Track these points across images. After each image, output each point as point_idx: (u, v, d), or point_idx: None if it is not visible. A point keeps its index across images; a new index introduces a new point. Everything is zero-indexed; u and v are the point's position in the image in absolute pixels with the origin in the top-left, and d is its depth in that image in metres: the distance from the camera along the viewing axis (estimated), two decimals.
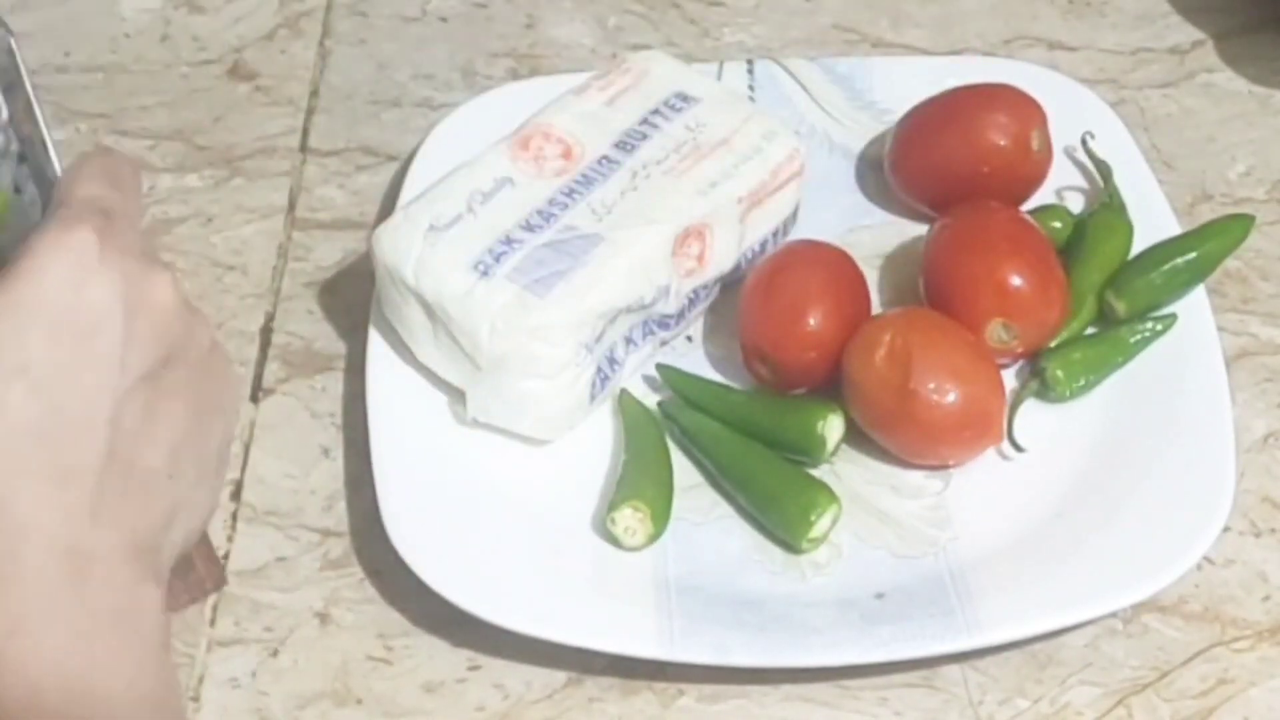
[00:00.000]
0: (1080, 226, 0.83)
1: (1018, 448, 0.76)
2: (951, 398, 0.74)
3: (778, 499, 0.74)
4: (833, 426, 0.76)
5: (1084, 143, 0.86)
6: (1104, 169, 0.85)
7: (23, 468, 0.51)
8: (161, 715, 0.53)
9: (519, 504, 0.75)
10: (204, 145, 0.92)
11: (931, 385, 0.74)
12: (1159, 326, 0.79)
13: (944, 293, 0.79)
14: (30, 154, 0.59)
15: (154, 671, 0.53)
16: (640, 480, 0.75)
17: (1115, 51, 0.96)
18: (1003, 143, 0.84)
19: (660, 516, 0.74)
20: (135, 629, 0.52)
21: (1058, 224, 0.83)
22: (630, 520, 0.74)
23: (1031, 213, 0.82)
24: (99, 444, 0.52)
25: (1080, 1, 0.99)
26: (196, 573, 0.66)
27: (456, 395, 0.77)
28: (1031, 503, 0.75)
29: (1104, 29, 0.98)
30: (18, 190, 0.59)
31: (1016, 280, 0.77)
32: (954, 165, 0.84)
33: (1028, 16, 0.98)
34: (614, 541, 0.74)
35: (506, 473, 0.76)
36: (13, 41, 0.58)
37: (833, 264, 0.80)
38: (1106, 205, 0.84)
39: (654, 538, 0.74)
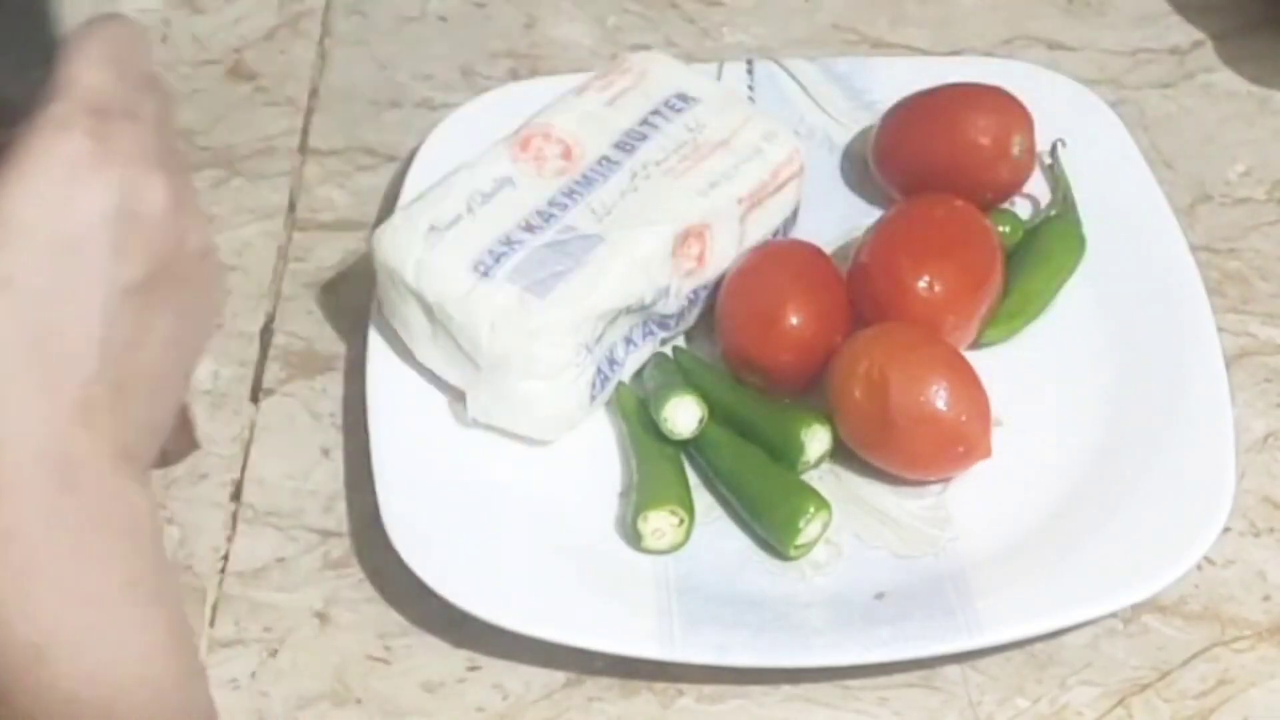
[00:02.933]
0: (1033, 234, 0.83)
1: None
2: (932, 423, 0.74)
3: (767, 504, 0.74)
4: (817, 436, 0.76)
5: (1053, 150, 0.86)
6: (1063, 179, 0.85)
7: (7, 379, 0.50)
8: (160, 609, 0.53)
9: (519, 504, 0.75)
10: (204, 145, 0.92)
11: (911, 413, 0.73)
12: None
13: (858, 281, 0.79)
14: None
15: (150, 569, 0.53)
16: (675, 484, 0.75)
17: (1115, 51, 0.96)
18: (983, 142, 0.84)
19: (691, 526, 0.74)
20: (128, 531, 0.52)
21: (1005, 229, 0.83)
22: (663, 523, 0.73)
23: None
24: (87, 356, 0.51)
25: (1080, 1, 0.99)
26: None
27: (456, 396, 0.77)
28: (1031, 503, 0.75)
29: (1104, 29, 0.98)
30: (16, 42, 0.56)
31: (922, 282, 0.77)
32: (932, 160, 0.84)
33: (1028, 16, 0.98)
34: (634, 540, 0.74)
35: (506, 473, 0.76)
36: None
37: (806, 262, 0.80)
38: (1061, 215, 0.84)
39: (679, 546, 0.74)
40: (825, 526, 0.74)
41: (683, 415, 0.76)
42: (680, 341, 0.82)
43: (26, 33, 0.56)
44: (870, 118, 0.89)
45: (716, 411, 0.77)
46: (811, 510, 0.73)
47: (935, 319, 0.77)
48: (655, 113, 0.82)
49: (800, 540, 0.73)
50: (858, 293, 0.79)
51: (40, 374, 0.51)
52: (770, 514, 0.74)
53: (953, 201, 0.81)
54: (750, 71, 0.92)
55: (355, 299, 0.83)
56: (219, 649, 0.73)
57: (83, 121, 0.52)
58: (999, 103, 0.85)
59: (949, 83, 0.87)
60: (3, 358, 0.50)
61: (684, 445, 0.77)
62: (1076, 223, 0.84)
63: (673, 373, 0.79)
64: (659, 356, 0.80)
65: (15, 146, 0.52)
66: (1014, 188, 0.86)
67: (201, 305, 0.56)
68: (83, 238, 0.51)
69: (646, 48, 0.94)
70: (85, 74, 0.54)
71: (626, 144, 0.81)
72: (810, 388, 0.77)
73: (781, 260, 0.80)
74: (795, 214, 0.84)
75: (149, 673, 0.53)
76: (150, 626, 0.52)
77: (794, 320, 0.77)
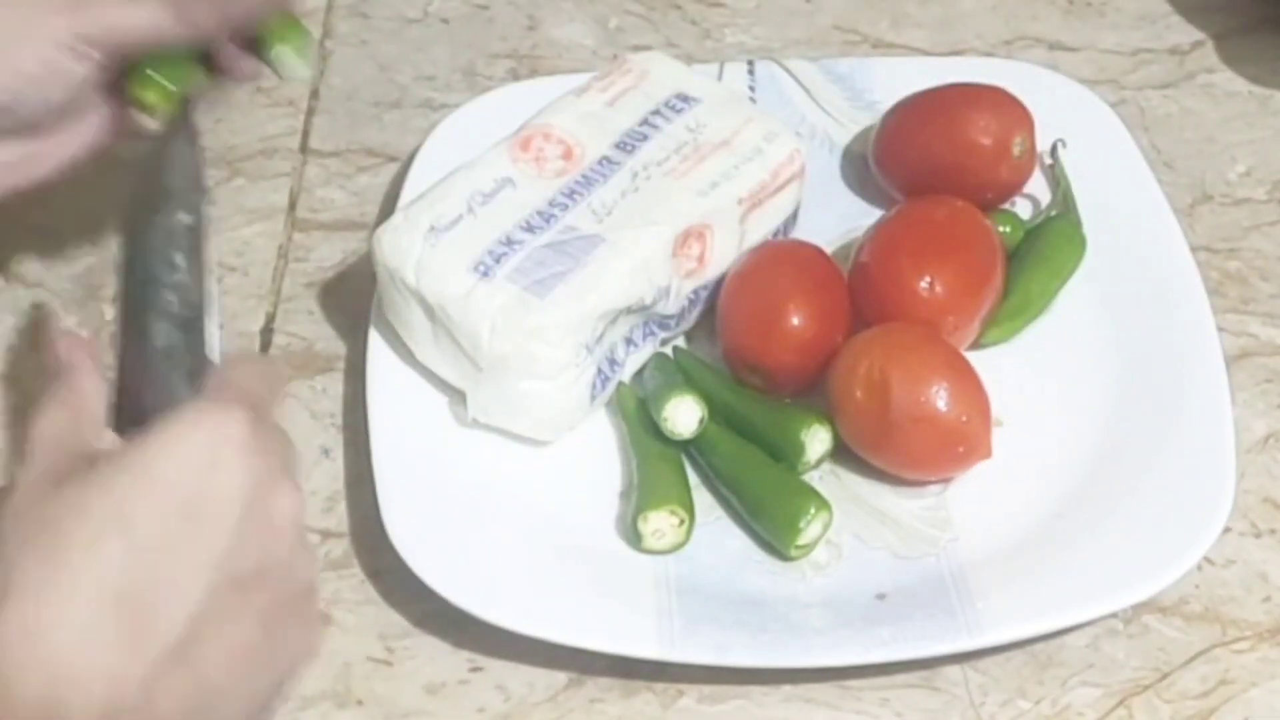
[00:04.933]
0: (1033, 234, 0.83)
1: None
2: (933, 424, 0.74)
3: (768, 504, 0.74)
4: (817, 436, 0.76)
5: (1053, 150, 0.86)
6: (1063, 179, 0.85)
7: (95, 621, 0.51)
8: None
9: (519, 504, 0.75)
10: (204, 146, 0.92)
11: (911, 414, 0.74)
12: None
13: (859, 281, 0.79)
14: (192, 324, 0.60)
15: None
16: (676, 484, 0.75)
17: (1115, 52, 0.96)
18: (984, 142, 0.84)
19: (691, 526, 0.74)
20: None
21: (1006, 229, 0.83)
22: (663, 523, 0.73)
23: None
24: (175, 623, 0.51)
25: (1080, 2, 0.99)
26: None
27: (457, 396, 0.77)
28: (1031, 503, 0.75)
29: (1104, 29, 0.98)
30: (169, 357, 0.60)
31: (923, 282, 0.77)
32: (932, 160, 0.84)
33: (1028, 17, 0.99)
34: (634, 541, 0.74)
35: (507, 473, 0.76)
36: (209, 209, 0.60)
37: (807, 263, 0.80)
38: (1061, 215, 0.84)
39: (679, 546, 0.74)
40: (826, 527, 0.74)
41: (683, 415, 0.76)
42: (680, 341, 0.82)
43: (177, 354, 0.60)
44: (870, 118, 0.89)
45: (717, 412, 0.77)
46: (812, 510, 0.73)
47: (936, 319, 0.77)
48: (656, 113, 0.82)
49: (801, 541, 0.73)
50: (859, 293, 0.79)
51: (127, 626, 0.51)
52: (771, 514, 0.74)
53: (953, 202, 0.81)
54: (751, 72, 0.92)
55: (355, 299, 0.83)
56: None
57: (243, 411, 0.54)
58: (999, 103, 0.85)
59: (949, 83, 0.87)
60: (98, 597, 0.51)
61: (684, 445, 0.77)
62: (1077, 223, 0.84)
63: (673, 373, 0.79)
64: (659, 357, 0.80)
65: (175, 409, 0.54)
66: (1014, 188, 0.86)
67: (293, 638, 0.56)
68: (212, 512, 0.53)
69: (647, 48, 0.94)
70: (243, 380, 0.57)
71: (627, 144, 0.81)
72: (811, 388, 0.77)
73: (783, 260, 0.81)
74: (795, 214, 0.84)
75: None
76: None
77: (795, 321, 0.77)
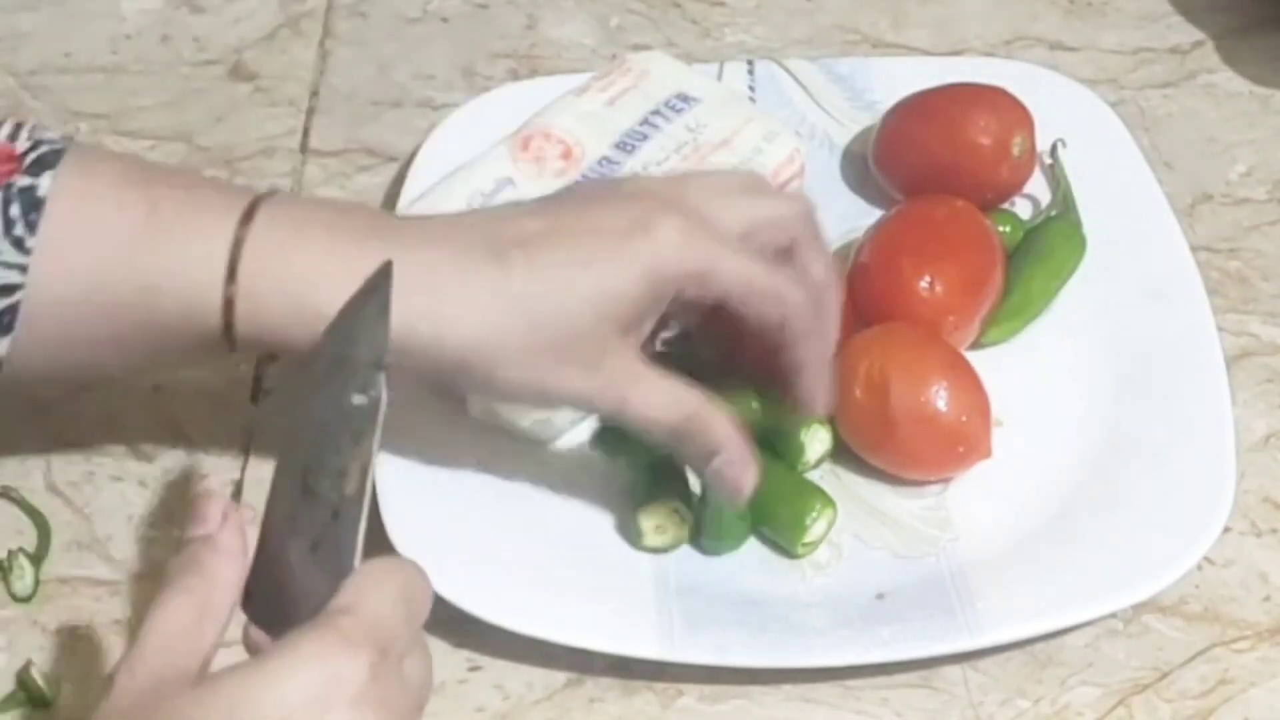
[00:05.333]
0: (1033, 233, 0.83)
1: None
2: (933, 424, 0.74)
3: (773, 503, 0.74)
4: (817, 437, 0.76)
5: (1053, 150, 0.86)
6: (1063, 179, 0.85)
7: None
8: None
9: (519, 504, 0.75)
10: (204, 145, 0.92)
11: (911, 413, 0.74)
12: None
13: (859, 281, 0.79)
14: (342, 514, 0.56)
15: None
16: (676, 480, 0.75)
17: (1115, 52, 0.96)
18: (983, 142, 0.84)
19: (691, 523, 0.74)
20: None
21: (1006, 229, 0.83)
22: (664, 519, 0.73)
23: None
24: None
25: (1080, 2, 0.99)
26: None
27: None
28: (1032, 503, 0.75)
29: (1104, 29, 0.98)
30: (315, 547, 0.56)
31: (924, 282, 0.77)
32: (932, 160, 0.84)
33: (1028, 17, 0.99)
34: (635, 538, 0.74)
35: (507, 473, 0.76)
36: (385, 396, 0.56)
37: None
38: (1061, 215, 0.84)
39: (679, 544, 0.74)
40: (831, 524, 0.74)
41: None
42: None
43: (323, 547, 0.56)
44: (871, 118, 0.89)
45: None
46: (818, 509, 0.73)
47: (936, 319, 0.77)
48: (656, 113, 0.82)
49: (807, 539, 0.73)
50: (859, 293, 0.79)
51: None
52: (776, 513, 0.74)
53: (953, 202, 0.81)
54: (751, 72, 0.92)
55: None
56: (221, 650, 0.73)
57: (368, 653, 0.51)
58: (999, 103, 0.85)
59: (949, 83, 0.86)
60: None
61: None
62: (1076, 223, 0.84)
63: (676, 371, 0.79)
64: (660, 355, 0.80)
65: (294, 634, 0.51)
66: (1014, 188, 0.86)
67: None
68: None
69: (647, 48, 0.94)
70: (380, 605, 0.53)
71: (627, 144, 0.81)
72: None
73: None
74: None
75: None
76: None
77: None
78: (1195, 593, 0.74)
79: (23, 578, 0.74)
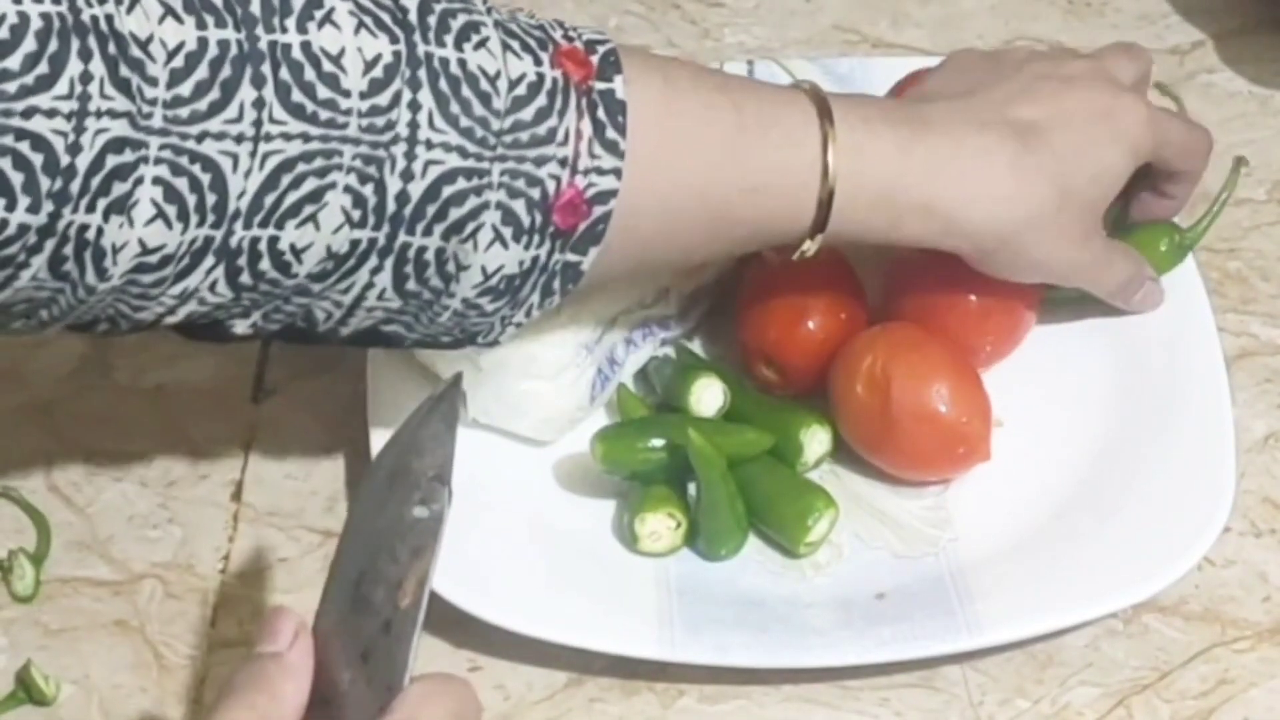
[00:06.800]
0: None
1: None
2: (933, 423, 0.74)
3: (774, 503, 0.74)
4: (816, 437, 0.76)
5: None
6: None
7: None
8: None
9: (519, 504, 0.75)
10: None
11: (912, 412, 0.73)
12: None
13: (906, 308, 0.79)
14: (395, 627, 0.55)
15: None
16: (673, 487, 0.75)
17: None
18: None
19: (688, 529, 0.74)
20: None
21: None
22: (660, 525, 0.73)
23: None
24: None
25: (1080, 2, 0.99)
26: None
27: None
28: (1032, 503, 0.75)
29: (1104, 29, 0.98)
30: (365, 658, 0.55)
31: (972, 296, 0.77)
32: None
33: (1028, 16, 0.98)
34: (630, 542, 0.74)
35: (507, 473, 0.76)
36: (448, 509, 0.57)
37: (828, 264, 0.80)
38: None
39: (675, 549, 0.74)
40: (833, 524, 0.74)
41: (709, 395, 0.76)
42: (680, 342, 0.82)
43: (375, 662, 0.55)
44: None
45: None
46: (820, 508, 0.73)
47: (976, 341, 0.78)
48: None
49: (810, 538, 0.73)
50: (897, 299, 0.79)
51: None
52: (778, 513, 0.74)
53: None
54: (751, 72, 0.91)
55: None
56: (221, 649, 0.73)
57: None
58: None
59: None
60: None
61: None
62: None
63: (690, 360, 0.79)
64: (677, 347, 0.80)
65: None
66: None
67: None
68: None
69: (648, 48, 0.94)
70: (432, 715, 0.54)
71: None
72: (823, 387, 0.77)
73: (806, 261, 0.80)
74: None
75: None
76: None
77: (817, 319, 0.77)
78: (1195, 593, 0.74)
79: (23, 578, 0.74)
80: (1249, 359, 0.82)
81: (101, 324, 0.60)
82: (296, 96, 0.57)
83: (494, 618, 0.70)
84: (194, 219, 0.56)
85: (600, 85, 0.64)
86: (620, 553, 0.74)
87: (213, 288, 0.59)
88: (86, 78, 0.52)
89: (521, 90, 0.62)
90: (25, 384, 0.82)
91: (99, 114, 0.53)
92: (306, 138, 0.58)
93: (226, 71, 0.56)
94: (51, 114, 0.52)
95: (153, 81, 0.54)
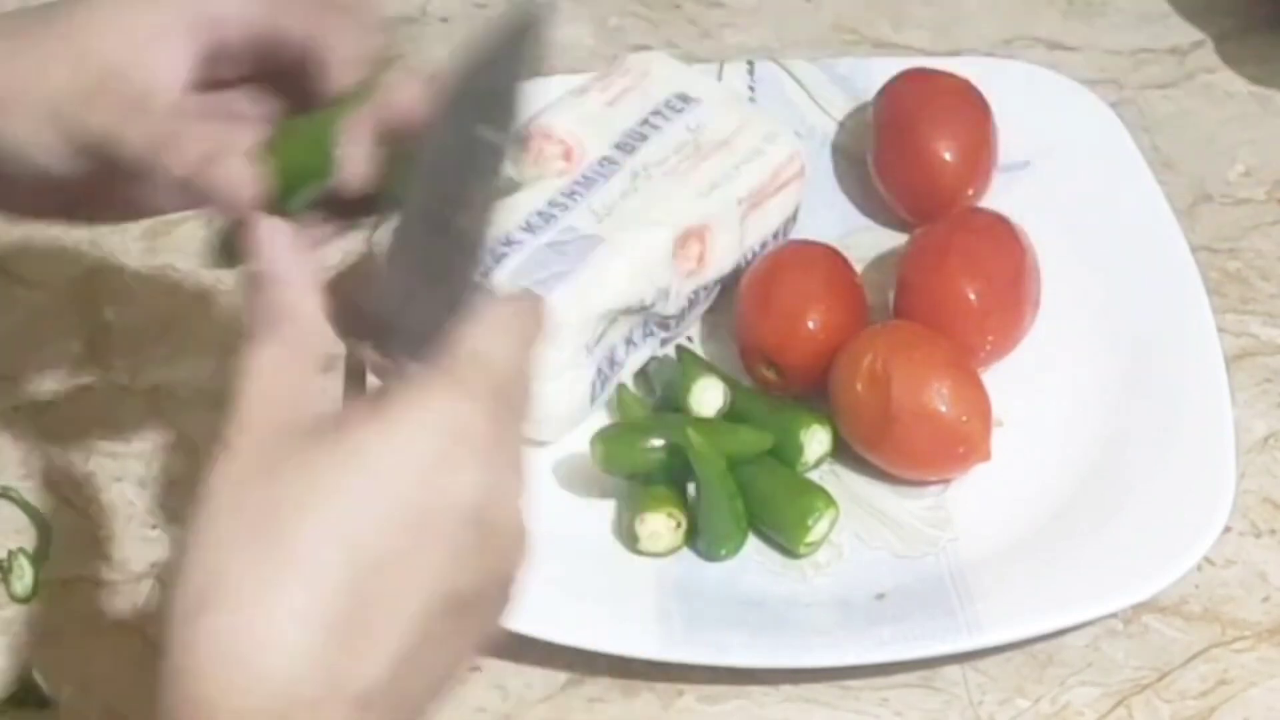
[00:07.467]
0: None
1: None
2: (933, 422, 0.74)
3: (774, 503, 0.74)
4: (816, 437, 0.76)
5: None
6: None
7: (306, 649, 0.45)
8: None
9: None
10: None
11: (912, 410, 0.73)
12: None
13: (909, 307, 0.79)
14: (464, 247, 0.52)
15: None
16: (672, 488, 0.75)
17: (1115, 52, 0.96)
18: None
19: (688, 529, 0.74)
20: None
21: None
22: (660, 526, 0.73)
23: None
24: (380, 664, 0.46)
25: (1080, 2, 0.99)
26: None
27: None
28: (1032, 503, 0.75)
29: (1104, 29, 0.98)
30: (430, 280, 0.52)
31: (972, 295, 0.77)
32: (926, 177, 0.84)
33: (1028, 16, 0.98)
34: (630, 543, 0.74)
35: None
36: (523, 132, 0.53)
37: (828, 264, 0.80)
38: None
39: (675, 549, 0.74)
40: (833, 524, 0.74)
41: (709, 396, 0.76)
42: (680, 342, 0.82)
43: (448, 276, 0.52)
44: (871, 119, 0.89)
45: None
46: (820, 508, 0.73)
47: (977, 339, 0.78)
48: (656, 113, 0.82)
49: (810, 538, 0.73)
50: (897, 300, 0.79)
51: (335, 658, 0.45)
52: (779, 513, 0.74)
53: (981, 216, 0.81)
54: (751, 72, 0.91)
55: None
56: None
57: (487, 401, 0.48)
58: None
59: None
60: (311, 623, 0.45)
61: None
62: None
63: (691, 361, 0.79)
64: (677, 347, 0.81)
65: (408, 388, 0.48)
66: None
67: (486, 635, 0.51)
68: (437, 525, 0.47)
69: (647, 48, 0.94)
70: (499, 349, 0.50)
71: (627, 144, 0.81)
72: (823, 387, 0.77)
73: (804, 262, 0.80)
74: (795, 215, 0.84)
75: None
76: None
77: (817, 320, 0.77)
78: (1195, 593, 0.74)
79: (23, 578, 0.74)
80: (1249, 359, 0.82)
81: None
82: None
83: None
84: None
85: None
86: (620, 553, 0.74)
87: None
88: None
89: None
90: (24, 384, 0.82)
91: None
92: None
93: None
94: None
95: None
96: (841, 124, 0.90)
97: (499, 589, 0.50)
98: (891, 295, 0.80)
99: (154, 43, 0.58)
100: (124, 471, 0.79)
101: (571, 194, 0.79)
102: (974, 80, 0.86)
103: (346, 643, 0.46)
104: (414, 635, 0.47)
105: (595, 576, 0.73)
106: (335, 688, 0.46)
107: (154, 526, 0.77)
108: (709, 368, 0.78)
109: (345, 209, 0.58)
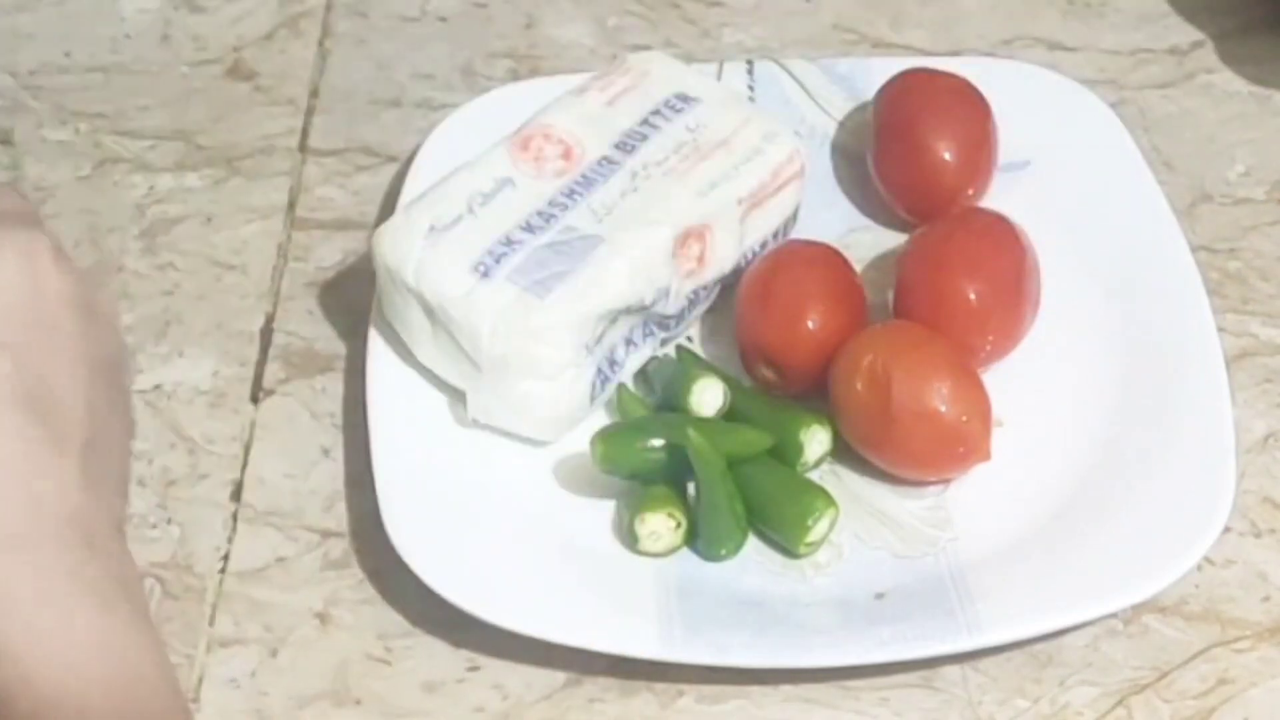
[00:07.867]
0: None
1: None
2: (933, 422, 0.74)
3: (775, 503, 0.74)
4: (816, 437, 0.76)
5: None
6: None
7: (26, 434, 0.52)
8: (170, 684, 0.54)
9: (519, 504, 0.75)
10: (204, 145, 0.92)
11: (912, 410, 0.73)
12: None
13: (909, 307, 0.79)
14: None
15: (155, 641, 0.54)
16: (673, 488, 0.74)
17: (1115, 52, 0.96)
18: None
19: (688, 529, 0.74)
20: (138, 597, 0.53)
21: None
22: (660, 526, 0.73)
23: None
24: (80, 417, 0.54)
25: (1080, 2, 0.99)
26: None
27: (457, 396, 0.77)
28: (1031, 503, 0.75)
29: (1104, 29, 0.98)
30: None
31: (972, 295, 0.77)
32: (926, 178, 0.84)
33: (1028, 16, 0.98)
34: (630, 543, 0.74)
35: (507, 473, 0.76)
36: None
37: (828, 264, 0.80)
38: None
39: (675, 549, 0.74)
40: (833, 524, 0.74)
41: (709, 396, 0.76)
42: (680, 342, 0.82)
43: None
44: (871, 119, 0.89)
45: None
46: (820, 508, 0.73)
47: (977, 339, 0.78)
48: (655, 113, 0.82)
49: (810, 539, 0.73)
50: (897, 300, 0.79)
51: (48, 430, 0.53)
52: (779, 513, 0.74)
53: (984, 216, 0.81)
54: (750, 72, 0.91)
55: (355, 299, 0.83)
56: (219, 648, 0.73)
57: (38, 225, 0.57)
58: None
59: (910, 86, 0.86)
60: (17, 411, 0.53)
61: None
62: None
63: (691, 361, 0.79)
64: (677, 347, 0.81)
65: None
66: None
67: (119, 364, 0.60)
68: (56, 316, 0.56)
69: (647, 48, 0.94)
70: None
71: (626, 144, 0.81)
72: (823, 387, 0.77)
73: (804, 261, 0.80)
74: (795, 215, 0.84)
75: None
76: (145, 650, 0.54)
77: (817, 320, 0.77)
78: (1195, 593, 0.74)
79: None
80: (1249, 359, 0.82)
81: None
82: None
83: (493, 618, 0.70)
84: None
85: None
86: (619, 553, 0.74)
87: None
88: None
89: None
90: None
91: None
92: None
93: None
94: None
95: None
96: (841, 124, 0.90)
97: (116, 362, 0.58)
98: (891, 295, 0.80)
99: None
100: None
101: (571, 194, 0.79)
102: (974, 80, 0.86)
103: (50, 415, 0.54)
104: (89, 397, 0.55)
105: (595, 576, 0.73)
106: (59, 452, 0.53)
107: (153, 526, 0.77)
108: (709, 368, 0.79)
109: None
